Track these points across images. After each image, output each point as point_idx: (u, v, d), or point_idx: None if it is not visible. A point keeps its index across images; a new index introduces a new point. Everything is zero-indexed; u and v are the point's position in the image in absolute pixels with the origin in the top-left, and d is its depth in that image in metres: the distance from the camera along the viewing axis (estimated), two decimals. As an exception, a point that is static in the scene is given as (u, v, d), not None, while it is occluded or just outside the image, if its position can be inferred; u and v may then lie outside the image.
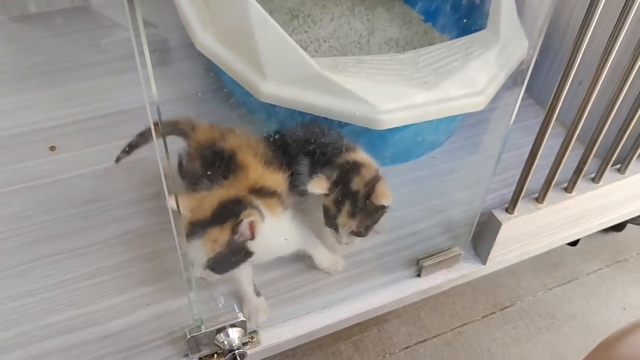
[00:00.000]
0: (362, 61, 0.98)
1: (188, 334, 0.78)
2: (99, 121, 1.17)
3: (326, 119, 0.94)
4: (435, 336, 1.05)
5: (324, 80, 0.92)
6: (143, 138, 0.96)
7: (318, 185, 0.81)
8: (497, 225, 0.91)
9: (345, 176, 0.82)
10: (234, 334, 0.80)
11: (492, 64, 1.02)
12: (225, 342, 0.80)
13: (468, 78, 0.98)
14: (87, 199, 1.02)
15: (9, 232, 0.95)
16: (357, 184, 0.81)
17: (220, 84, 1.19)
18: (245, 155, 0.83)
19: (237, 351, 0.79)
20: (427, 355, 1.02)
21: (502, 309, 1.10)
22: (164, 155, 0.65)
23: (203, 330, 0.78)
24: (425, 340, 1.04)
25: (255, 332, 0.85)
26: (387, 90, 0.93)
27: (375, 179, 0.81)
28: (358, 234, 0.83)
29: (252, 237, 0.74)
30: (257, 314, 0.86)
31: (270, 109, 1.01)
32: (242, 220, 0.72)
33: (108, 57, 1.33)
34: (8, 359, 0.80)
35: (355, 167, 0.83)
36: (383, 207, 0.82)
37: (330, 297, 0.90)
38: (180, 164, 0.93)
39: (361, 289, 0.91)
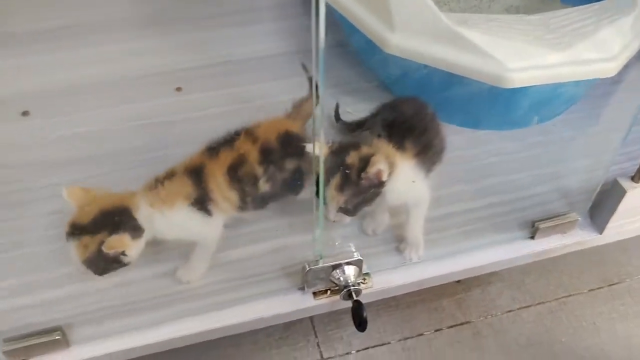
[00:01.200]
0: (492, 19, 0.97)
1: (307, 266, 0.81)
2: (221, 67, 1.22)
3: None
4: (539, 303, 1.04)
5: (452, 34, 0.91)
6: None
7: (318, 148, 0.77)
8: (620, 193, 0.89)
9: (344, 149, 0.79)
10: (350, 271, 0.82)
11: (626, 31, 0.99)
12: (341, 279, 0.82)
13: (601, 42, 0.95)
14: (207, 137, 1.07)
15: (134, 162, 1.01)
16: (352, 157, 0.78)
17: (343, 39, 1.21)
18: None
19: (352, 287, 0.82)
20: (530, 321, 1.01)
21: (610, 285, 1.07)
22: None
23: (321, 265, 0.81)
24: (528, 306, 1.03)
25: (367, 274, 0.87)
26: (517, 48, 0.91)
27: (370, 155, 0.77)
28: (346, 211, 0.79)
29: (124, 254, 0.75)
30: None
31: (392, 64, 1.03)
32: (104, 248, 0.72)
33: (229, 10, 1.38)
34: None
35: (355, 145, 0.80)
36: (376, 186, 0.78)
37: (443, 250, 0.91)
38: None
39: (474, 245, 0.92)
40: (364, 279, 0.86)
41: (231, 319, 0.83)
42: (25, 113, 1.10)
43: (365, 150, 0.79)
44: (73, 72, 1.18)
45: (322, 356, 0.96)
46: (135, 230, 0.76)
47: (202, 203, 0.80)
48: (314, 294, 0.86)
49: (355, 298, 0.82)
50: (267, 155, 0.82)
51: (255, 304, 0.84)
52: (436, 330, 1.00)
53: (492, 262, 0.91)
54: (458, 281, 1.06)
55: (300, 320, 0.99)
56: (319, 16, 0.59)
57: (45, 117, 1.10)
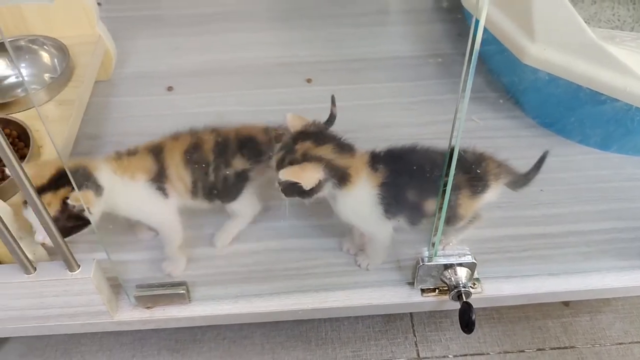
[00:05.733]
0: (641, 38, 0.94)
1: (421, 261, 0.82)
2: (351, 64, 1.27)
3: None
4: (654, 341, 0.99)
5: (597, 50, 0.89)
6: None
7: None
8: None
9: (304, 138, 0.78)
10: (462, 273, 0.83)
11: None
12: (452, 279, 0.83)
13: None
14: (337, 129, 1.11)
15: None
16: (299, 148, 0.76)
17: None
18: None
19: (462, 289, 0.82)
20: (642, 358, 0.97)
21: None
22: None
23: (434, 262, 0.82)
24: (642, 342, 0.98)
25: (477, 280, 0.87)
26: (667, 70, 0.88)
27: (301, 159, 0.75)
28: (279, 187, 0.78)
29: (89, 211, 0.74)
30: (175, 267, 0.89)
31: (525, 75, 1.02)
32: (67, 199, 0.73)
33: (364, 10, 1.43)
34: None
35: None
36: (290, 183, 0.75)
37: (559, 266, 0.89)
38: None
39: (592, 267, 0.89)
40: (474, 284, 0.86)
41: (340, 301, 0.85)
42: (169, 88, 1.20)
43: (314, 150, 0.76)
44: (215, 55, 1.28)
45: (418, 355, 0.97)
46: (97, 188, 0.78)
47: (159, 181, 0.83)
48: (422, 290, 0.87)
49: (465, 300, 0.82)
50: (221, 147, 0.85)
51: (364, 291, 0.86)
52: (538, 350, 0.98)
53: (608, 288, 0.88)
54: (566, 304, 1.03)
55: (401, 317, 1.01)
56: (480, 21, 0.61)
57: (186, 93, 1.19)
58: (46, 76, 1.12)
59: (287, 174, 0.74)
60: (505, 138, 1.08)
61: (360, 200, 0.79)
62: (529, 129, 1.10)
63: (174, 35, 1.33)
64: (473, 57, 0.64)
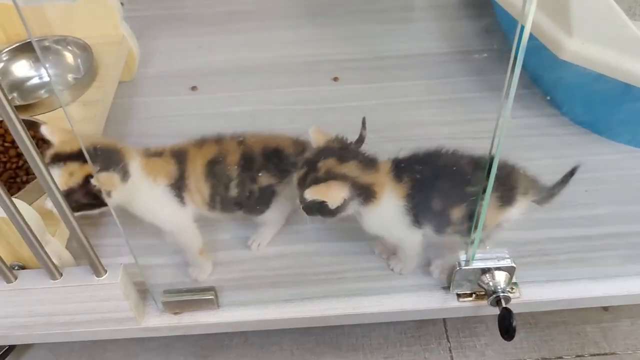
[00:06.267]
0: (686, 31, 0.90)
1: (458, 265, 0.79)
2: (377, 62, 1.24)
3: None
4: (699, 347, 0.95)
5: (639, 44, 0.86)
6: None
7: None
8: None
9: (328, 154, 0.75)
10: (500, 277, 0.80)
11: None
12: (491, 284, 0.80)
13: None
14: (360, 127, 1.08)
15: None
16: (322, 164, 0.73)
17: (501, 41, 1.19)
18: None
19: (501, 294, 0.79)
20: (687, 364, 0.93)
21: None
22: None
23: (472, 266, 0.79)
24: (686, 348, 0.94)
25: (515, 284, 0.84)
26: None
27: (324, 177, 0.73)
28: (301, 205, 0.76)
29: (108, 194, 0.72)
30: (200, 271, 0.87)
31: (557, 73, 0.98)
32: (90, 176, 0.71)
33: (389, 7, 1.40)
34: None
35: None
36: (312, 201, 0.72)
37: (600, 270, 0.85)
38: None
39: (635, 271, 0.85)
40: (512, 288, 0.83)
41: (373, 306, 0.83)
42: (193, 88, 1.18)
43: (338, 167, 0.73)
44: (239, 53, 1.26)
45: (452, 361, 0.94)
46: (124, 175, 0.75)
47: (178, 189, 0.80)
48: (458, 295, 0.84)
49: (504, 305, 0.79)
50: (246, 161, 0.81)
51: (398, 296, 0.84)
52: (577, 356, 0.94)
53: (657, 292, 0.84)
54: (606, 308, 0.99)
55: (434, 322, 0.98)
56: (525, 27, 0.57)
57: (211, 93, 1.17)
58: (70, 77, 1.11)
59: (314, 193, 0.72)
60: (539, 137, 1.05)
61: (387, 215, 0.77)
62: (564, 127, 1.06)
63: (197, 35, 1.31)
64: (516, 69, 0.60)
